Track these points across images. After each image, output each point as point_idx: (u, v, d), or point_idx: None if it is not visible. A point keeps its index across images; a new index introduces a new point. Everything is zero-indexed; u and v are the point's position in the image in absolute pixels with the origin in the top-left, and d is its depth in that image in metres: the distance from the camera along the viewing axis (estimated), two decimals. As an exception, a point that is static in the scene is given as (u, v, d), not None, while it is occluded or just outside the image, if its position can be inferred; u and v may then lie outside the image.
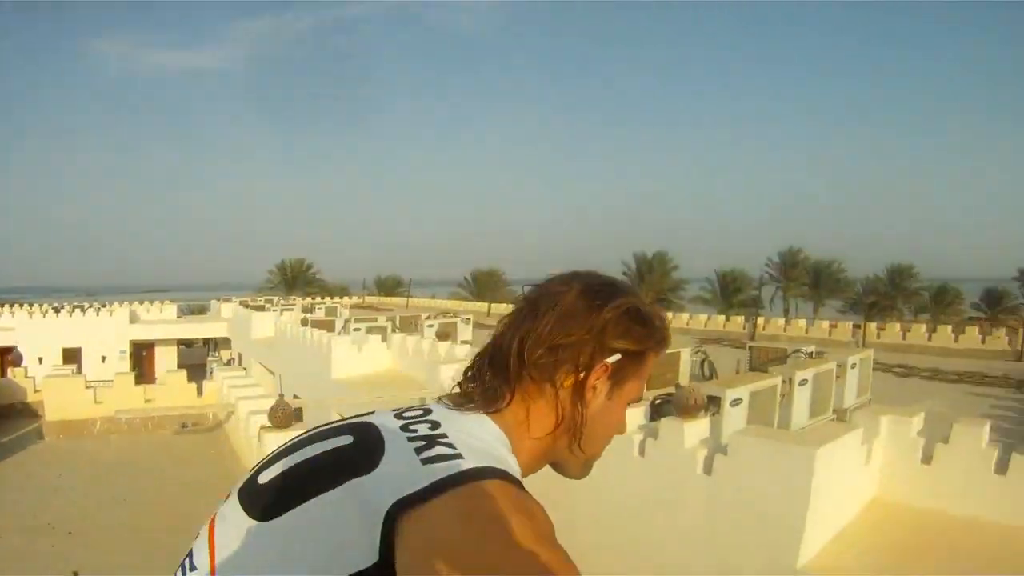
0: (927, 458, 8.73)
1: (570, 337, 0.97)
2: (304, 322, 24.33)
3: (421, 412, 0.99)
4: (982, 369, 19.39)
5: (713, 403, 9.58)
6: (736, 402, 9.91)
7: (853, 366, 13.35)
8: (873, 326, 27.53)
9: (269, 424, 13.56)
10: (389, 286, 69.43)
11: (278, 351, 26.34)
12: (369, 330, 20.54)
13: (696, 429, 8.76)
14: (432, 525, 0.76)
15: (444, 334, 20.22)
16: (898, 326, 27.01)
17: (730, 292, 55.85)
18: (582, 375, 0.99)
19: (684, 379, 15.33)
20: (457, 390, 1.05)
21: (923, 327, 25.79)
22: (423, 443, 0.88)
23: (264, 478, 0.95)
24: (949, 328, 24.96)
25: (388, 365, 19.13)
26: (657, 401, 10.86)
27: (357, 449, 0.92)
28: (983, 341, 23.35)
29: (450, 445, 0.87)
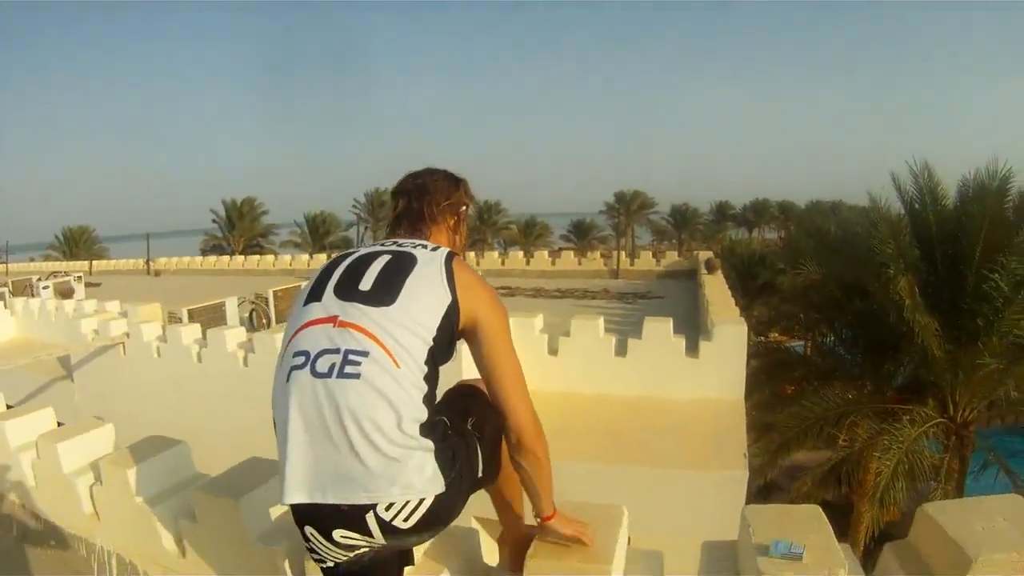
0: (553, 351, 11.35)
1: (449, 199, 2.40)
2: None
3: (397, 243, 2.24)
4: (583, 286, 24.11)
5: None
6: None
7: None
8: (472, 254, 32.01)
9: None
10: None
11: None
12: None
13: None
14: (462, 270, 2.10)
15: (66, 292, 19.86)
16: (496, 253, 31.98)
17: (320, 235, 59.13)
18: (457, 218, 2.47)
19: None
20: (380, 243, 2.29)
21: (520, 253, 30.96)
22: (421, 247, 2.17)
23: (364, 285, 2.00)
24: (546, 253, 30.54)
25: (14, 334, 18.01)
26: (247, 314, 12.18)
27: (401, 256, 2.11)
28: (579, 263, 28.31)
29: (431, 247, 2.19)
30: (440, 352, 2.02)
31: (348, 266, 2.11)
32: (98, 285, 26.09)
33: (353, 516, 1.90)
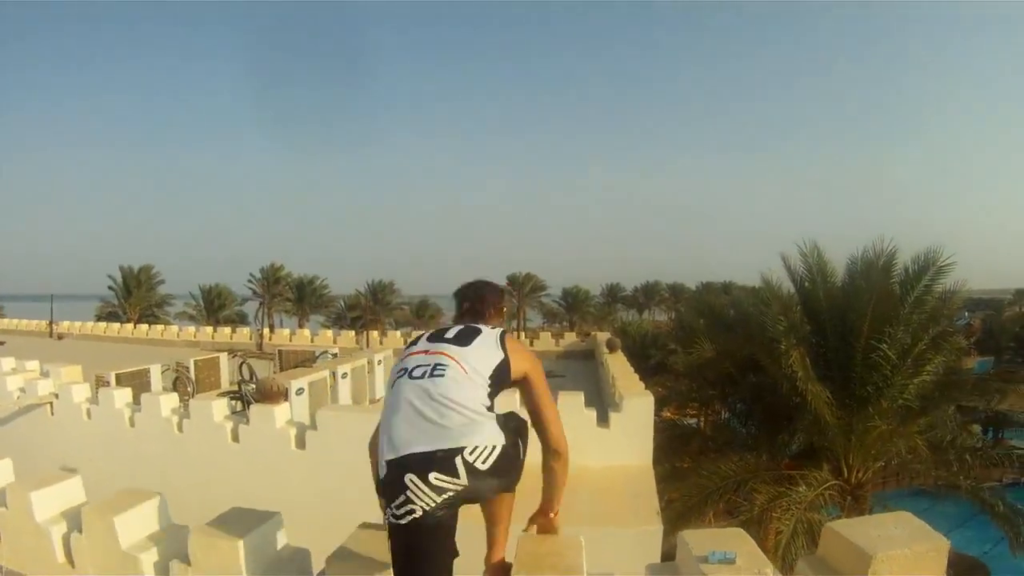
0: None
1: (497, 304, 3.63)
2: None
3: (466, 324, 3.34)
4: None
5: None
6: (300, 391, 11.82)
7: (379, 362, 16.64)
8: (375, 333, 32.37)
9: None
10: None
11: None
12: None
13: (282, 412, 10.32)
14: (512, 342, 3.23)
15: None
16: (399, 332, 32.40)
17: (215, 307, 57.89)
18: (502, 315, 3.66)
19: (225, 383, 16.52)
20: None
21: (422, 333, 31.36)
22: (484, 326, 3.31)
23: (448, 335, 3.15)
24: (447, 332, 31.21)
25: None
26: (229, 397, 12.17)
27: (472, 327, 3.26)
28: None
29: (490, 327, 3.34)
30: (492, 393, 3.01)
31: (436, 330, 3.26)
32: (2, 343, 24.99)
33: (446, 460, 2.70)
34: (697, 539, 4.26)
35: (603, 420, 11.34)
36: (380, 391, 15.82)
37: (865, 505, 14.34)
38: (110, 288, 57.58)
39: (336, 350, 19.88)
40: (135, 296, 55.87)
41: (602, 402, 13.55)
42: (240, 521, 4.91)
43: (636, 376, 14.06)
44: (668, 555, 4.63)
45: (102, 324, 38.72)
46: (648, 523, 9.01)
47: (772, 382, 15.29)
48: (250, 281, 62.08)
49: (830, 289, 15.27)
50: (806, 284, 15.78)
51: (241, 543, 4.63)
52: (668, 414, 23.93)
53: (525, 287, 70.56)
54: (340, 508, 9.30)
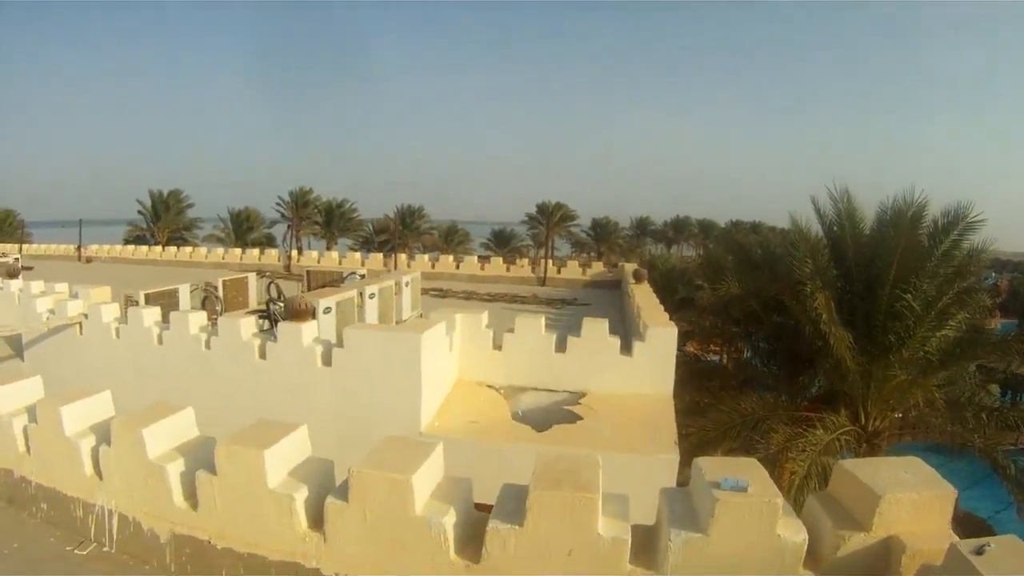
0: (498, 345, 12.14)
1: None
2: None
3: None
4: (511, 292, 25.28)
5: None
6: (327, 310, 11.97)
7: (407, 284, 16.68)
8: (403, 256, 32.57)
9: None
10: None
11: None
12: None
13: (309, 330, 10.48)
14: None
15: (12, 272, 17.58)
16: (426, 257, 32.57)
17: (243, 230, 58.39)
18: None
19: (253, 303, 16.79)
20: None
21: (450, 257, 31.62)
22: None
23: None
24: (476, 258, 31.34)
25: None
26: (258, 316, 12.39)
27: None
28: (508, 270, 29.33)
29: None
30: None
31: None
32: (31, 269, 25.50)
33: None
34: (711, 466, 4.35)
35: (626, 349, 11.42)
36: (407, 312, 15.96)
37: (880, 454, 14.42)
38: (139, 212, 58.20)
39: (364, 272, 20.05)
40: (164, 220, 56.48)
41: (626, 331, 13.62)
42: (265, 432, 5.08)
43: (661, 307, 14.10)
44: (683, 486, 4.72)
45: (130, 247, 39.17)
46: (665, 452, 9.15)
47: (795, 324, 15.40)
48: (279, 204, 62.50)
49: (858, 235, 15.30)
50: (835, 229, 15.81)
51: (266, 453, 4.80)
52: (691, 349, 24.08)
53: (554, 216, 70.25)
54: (364, 424, 9.56)
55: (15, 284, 15.18)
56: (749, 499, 3.95)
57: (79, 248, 35.56)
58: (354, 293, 13.23)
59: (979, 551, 3.36)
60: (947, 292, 13.35)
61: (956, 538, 3.81)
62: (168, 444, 5.53)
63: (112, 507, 5.73)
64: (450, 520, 4.39)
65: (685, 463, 11.87)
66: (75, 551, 5.66)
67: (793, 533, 4.03)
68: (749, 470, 4.28)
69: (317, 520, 4.80)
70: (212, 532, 5.19)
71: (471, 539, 4.51)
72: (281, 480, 4.92)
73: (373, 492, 4.44)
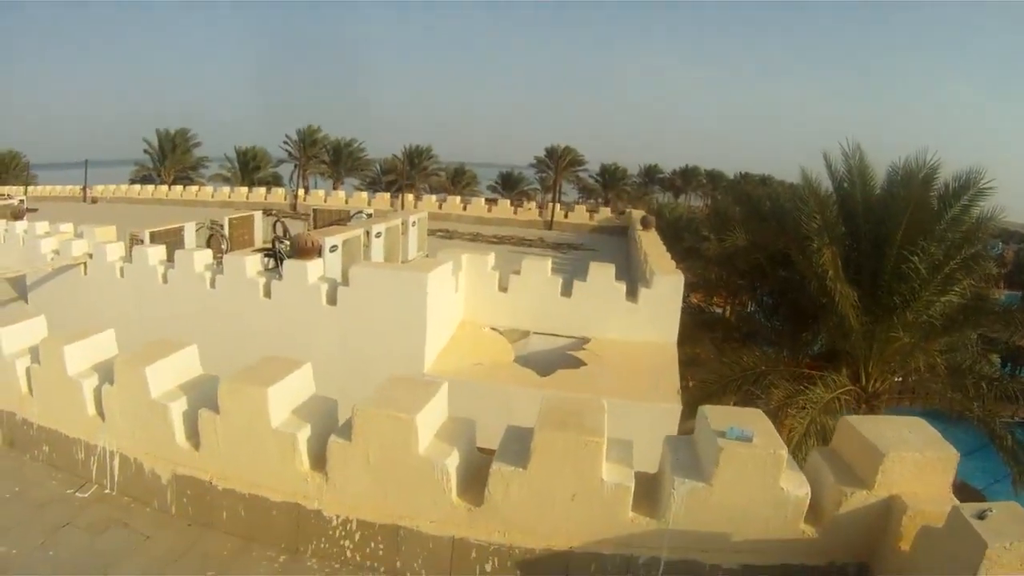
0: (503, 287, 12.11)
1: None
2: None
3: None
4: (517, 234, 25.16)
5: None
6: (333, 248, 11.88)
7: (414, 224, 16.53)
8: (411, 196, 32.35)
9: None
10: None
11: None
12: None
13: (315, 268, 10.44)
14: None
15: (17, 214, 17.98)
16: (434, 198, 32.39)
17: (250, 170, 57.79)
18: None
19: (259, 241, 16.73)
20: None
21: (457, 199, 31.48)
22: None
23: None
24: (483, 200, 31.22)
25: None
26: (263, 254, 12.33)
27: None
28: (515, 213, 29.22)
29: None
30: None
31: None
32: (35, 211, 25.32)
33: None
34: (717, 415, 4.31)
35: (632, 295, 11.37)
36: (413, 252, 15.87)
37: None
38: (146, 152, 57.43)
39: (371, 211, 19.96)
40: (171, 159, 55.72)
41: (632, 278, 13.55)
42: (269, 370, 5.03)
43: (668, 255, 14.00)
44: (686, 435, 4.70)
45: (136, 187, 38.86)
46: (668, 401, 9.16)
47: (801, 279, 15.21)
48: (286, 143, 61.76)
49: (868, 193, 15.01)
50: (844, 185, 15.51)
51: (269, 391, 4.76)
52: (694, 300, 24.00)
53: (563, 160, 69.41)
54: (369, 363, 9.57)
55: (20, 225, 15.10)
56: (754, 450, 3.93)
57: (84, 189, 35.32)
58: (360, 232, 13.14)
59: (981, 515, 3.34)
60: (954, 257, 13.07)
61: (957, 501, 3.79)
62: (171, 383, 5.47)
63: (114, 448, 5.68)
64: (453, 461, 4.39)
65: (686, 415, 11.95)
66: (76, 494, 5.63)
67: (796, 487, 4.02)
68: (755, 421, 4.25)
69: (319, 460, 4.78)
70: (214, 472, 5.17)
71: (474, 481, 4.51)
72: (284, 419, 4.89)
73: (376, 431, 4.42)
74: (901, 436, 4.17)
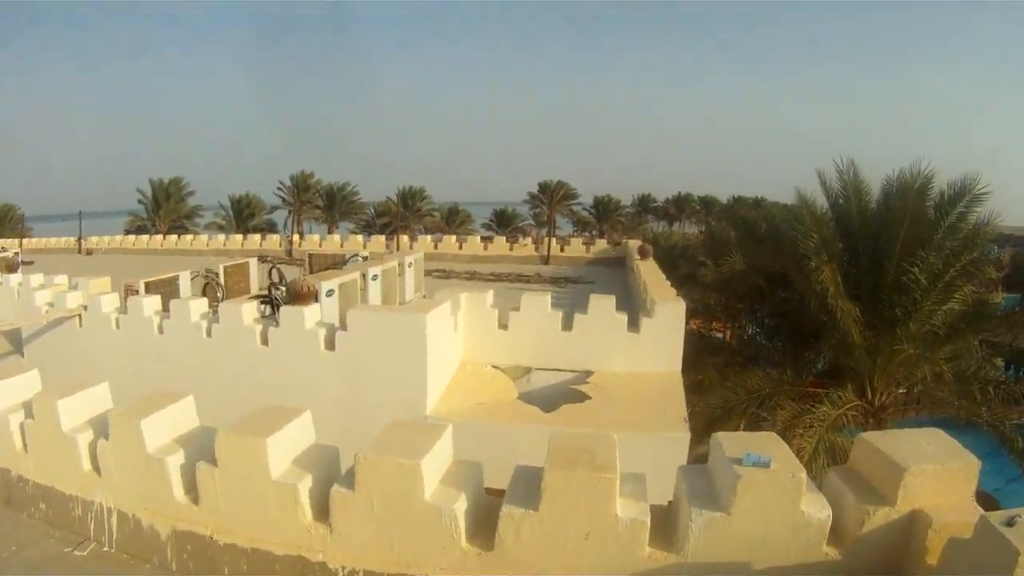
0: (503, 324, 11.99)
1: None
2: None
3: None
4: (515, 271, 25.15)
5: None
6: (330, 292, 11.79)
7: (410, 265, 16.48)
8: (405, 238, 32.37)
9: None
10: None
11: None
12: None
13: (312, 313, 10.30)
14: None
15: (11, 266, 17.72)
16: (429, 238, 32.41)
17: (244, 217, 58.08)
18: None
19: (255, 288, 16.63)
20: None
21: (453, 238, 31.51)
22: None
23: None
24: (479, 238, 31.25)
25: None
26: (259, 301, 12.20)
27: None
28: (511, 249, 29.26)
29: None
30: None
31: None
32: (31, 263, 25.27)
33: None
34: (731, 441, 4.16)
35: (634, 325, 11.26)
36: (410, 293, 15.80)
37: (886, 429, 14.28)
38: (139, 202, 57.67)
39: (366, 254, 19.93)
40: (165, 209, 55.94)
41: (632, 309, 13.43)
42: (268, 420, 4.88)
43: (668, 283, 13.90)
44: (699, 464, 4.55)
45: (131, 237, 38.87)
46: (676, 430, 8.99)
47: (800, 299, 15.22)
48: (280, 189, 62.12)
49: (864, 208, 15.08)
50: (840, 201, 15.58)
51: (268, 441, 4.60)
52: (694, 326, 23.91)
53: (556, 194, 69.79)
54: (369, 408, 9.40)
55: (14, 278, 14.97)
56: (773, 475, 3.78)
57: (79, 240, 35.33)
58: (357, 275, 13.07)
59: (1010, 522, 3.19)
60: (953, 265, 13.14)
61: (981, 510, 3.64)
62: (168, 435, 5.32)
63: (111, 504, 5.51)
64: (461, 506, 4.23)
65: (694, 442, 11.83)
66: (74, 552, 5.46)
67: (817, 509, 3.87)
68: (770, 445, 4.11)
69: (322, 511, 4.62)
70: (214, 527, 5.00)
71: (483, 525, 4.35)
72: (285, 469, 4.74)
73: (380, 479, 4.27)
74: (920, 449, 4.04)
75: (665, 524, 4.22)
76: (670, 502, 4.42)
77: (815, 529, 3.85)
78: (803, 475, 3.82)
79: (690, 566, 3.97)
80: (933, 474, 3.84)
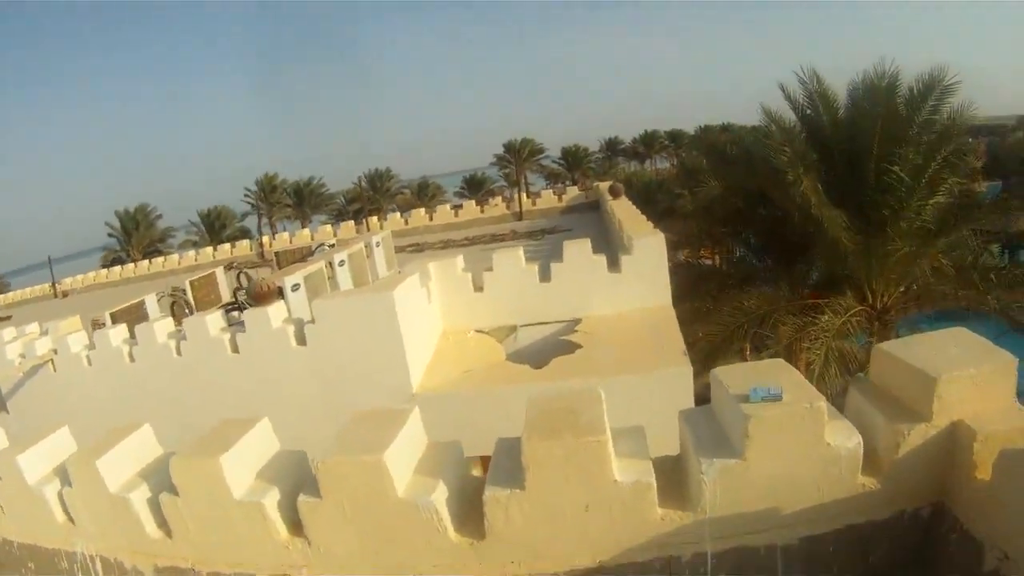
0: (479, 287, 11.44)
1: None
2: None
3: None
4: (488, 232, 24.49)
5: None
6: (296, 287, 11.16)
7: (378, 244, 15.81)
8: (375, 219, 31.52)
9: None
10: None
11: None
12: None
13: (277, 311, 9.71)
14: None
15: None
16: (399, 215, 31.65)
17: (217, 229, 57.12)
18: None
19: (225, 298, 16.00)
20: None
21: (422, 210, 30.73)
22: None
23: None
24: (448, 206, 30.48)
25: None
26: (226, 310, 11.60)
27: None
28: (482, 211, 28.51)
29: None
30: None
31: None
32: (9, 318, 24.49)
33: None
34: (733, 375, 3.61)
35: (614, 265, 10.74)
36: (382, 272, 15.09)
37: (892, 330, 14.13)
38: (110, 235, 56.59)
39: (333, 241, 19.35)
40: (136, 237, 54.82)
41: (612, 249, 12.89)
42: (221, 436, 4.38)
43: (643, 217, 13.37)
44: (702, 397, 4.02)
45: (104, 271, 38.07)
46: (676, 364, 8.46)
47: (783, 214, 14.99)
48: (247, 195, 61.27)
49: (833, 114, 14.72)
50: (808, 112, 15.22)
51: (221, 460, 4.08)
52: (683, 257, 23.58)
53: (523, 152, 69.00)
54: (352, 396, 8.81)
55: None
56: (787, 408, 3.24)
57: (53, 285, 34.53)
58: (322, 264, 12.45)
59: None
60: (934, 159, 12.83)
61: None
62: (130, 470, 4.84)
63: (92, 552, 5.13)
64: (441, 496, 3.71)
65: (699, 373, 11.40)
66: (68, 608, 5.09)
67: (845, 438, 3.36)
68: (777, 372, 3.56)
69: (297, 524, 4.13)
70: (193, 559, 4.56)
71: (472, 511, 3.84)
72: (247, 487, 4.23)
73: (345, 481, 3.76)
74: (948, 353, 3.50)
75: (676, 478, 3.71)
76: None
77: (846, 460, 3.35)
78: (823, 403, 3.27)
79: (711, 521, 3.48)
80: (969, 379, 3.30)
